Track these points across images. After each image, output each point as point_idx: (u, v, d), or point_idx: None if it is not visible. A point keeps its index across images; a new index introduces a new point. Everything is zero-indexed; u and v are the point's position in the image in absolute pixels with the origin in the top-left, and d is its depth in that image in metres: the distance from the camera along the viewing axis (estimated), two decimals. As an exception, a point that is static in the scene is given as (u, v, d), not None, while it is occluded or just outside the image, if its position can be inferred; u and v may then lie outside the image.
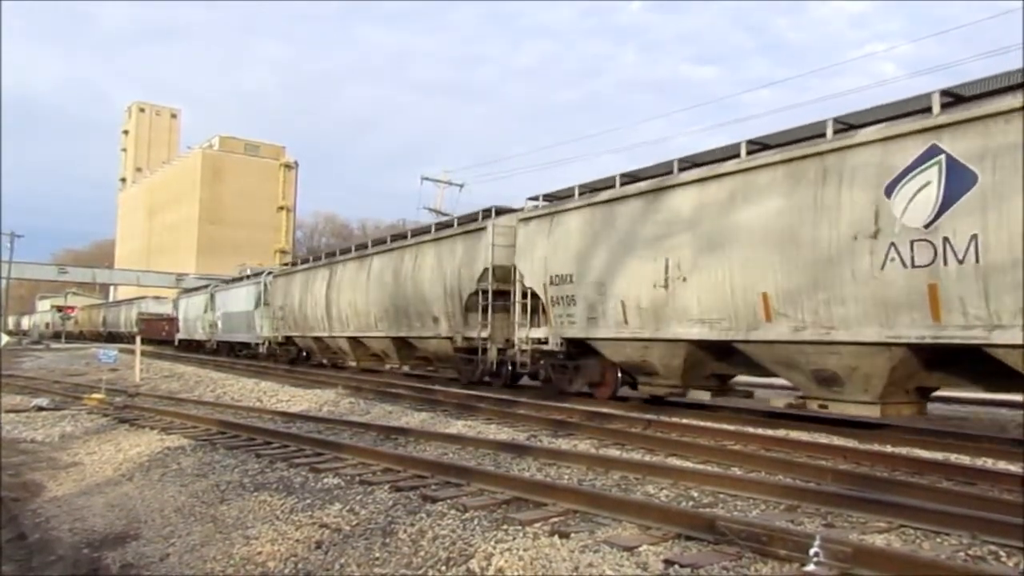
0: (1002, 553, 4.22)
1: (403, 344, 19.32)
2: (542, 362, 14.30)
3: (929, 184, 7.85)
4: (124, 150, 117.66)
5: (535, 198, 14.63)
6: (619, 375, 12.84)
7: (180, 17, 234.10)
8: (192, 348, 38.31)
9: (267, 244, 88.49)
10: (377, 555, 4.52)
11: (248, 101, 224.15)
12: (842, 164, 8.72)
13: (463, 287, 16.16)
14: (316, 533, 5.02)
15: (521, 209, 14.99)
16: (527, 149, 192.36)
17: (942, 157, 7.76)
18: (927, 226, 7.84)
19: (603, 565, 3.99)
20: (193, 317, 38.70)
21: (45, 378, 20.02)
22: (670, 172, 11.36)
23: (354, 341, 21.73)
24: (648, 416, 10.33)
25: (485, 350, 15.56)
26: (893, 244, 8.12)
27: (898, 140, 8.23)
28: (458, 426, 9.94)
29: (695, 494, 5.78)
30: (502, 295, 15.12)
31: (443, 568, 4.19)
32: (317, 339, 24.12)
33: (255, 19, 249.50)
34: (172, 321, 43.05)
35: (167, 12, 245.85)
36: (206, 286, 39.56)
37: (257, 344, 29.13)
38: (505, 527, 4.78)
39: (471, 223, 16.78)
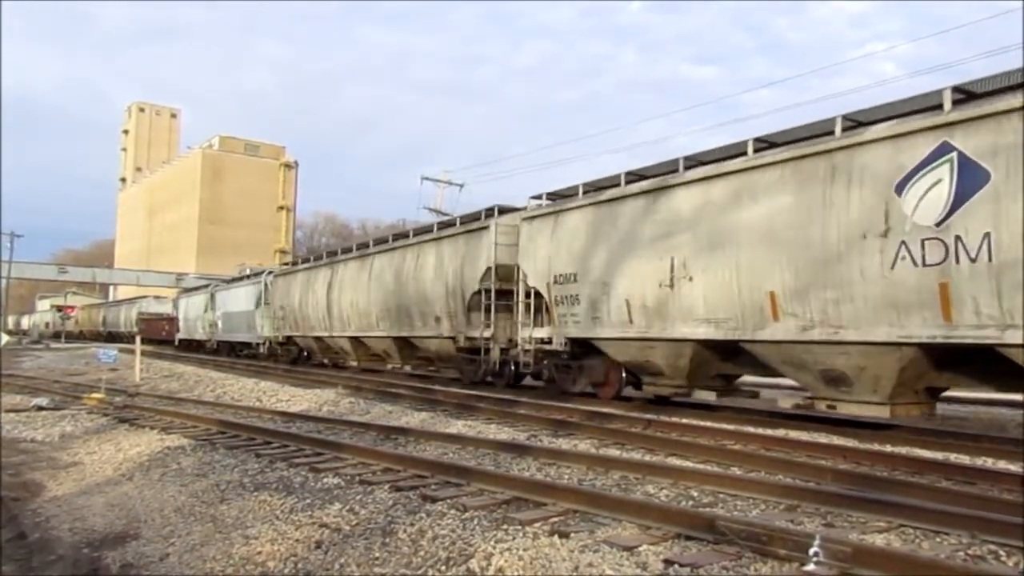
0: (1002, 553, 4.22)
1: (405, 344, 19.26)
2: (545, 362, 14.23)
3: (940, 182, 7.78)
4: (124, 150, 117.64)
5: (538, 197, 14.56)
6: (623, 375, 12.76)
7: (180, 17, 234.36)
8: (192, 348, 38.29)
9: (267, 244, 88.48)
10: (377, 555, 4.52)
11: (248, 101, 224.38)
12: (851, 162, 8.65)
13: (466, 286, 16.10)
14: (316, 533, 5.02)
15: (524, 208, 14.92)
16: (527, 149, 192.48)
17: (954, 154, 7.69)
18: (938, 224, 7.76)
19: (603, 565, 3.99)
20: (193, 317, 38.69)
21: (45, 378, 20.02)
22: (675, 170, 11.30)
23: (355, 341, 21.69)
24: (648, 416, 10.32)
25: (488, 350, 15.48)
26: (904, 243, 8.05)
27: (908, 137, 8.15)
28: (458, 426, 9.94)
29: (695, 494, 5.78)
30: (505, 295, 15.05)
31: (443, 568, 4.19)
32: (318, 339, 24.07)
33: (255, 19, 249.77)
34: (172, 321, 43.04)
35: (167, 12, 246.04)
36: (206, 286, 39.55)
37: (258, 344, 29.11)
38: (505, 527, 4.78)
39: (474, 222, 16.69)
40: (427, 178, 48.63)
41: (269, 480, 6.67)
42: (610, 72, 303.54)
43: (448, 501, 5.51)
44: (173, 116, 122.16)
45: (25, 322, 79.28)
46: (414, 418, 10.91)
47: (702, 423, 9.63)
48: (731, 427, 9.30)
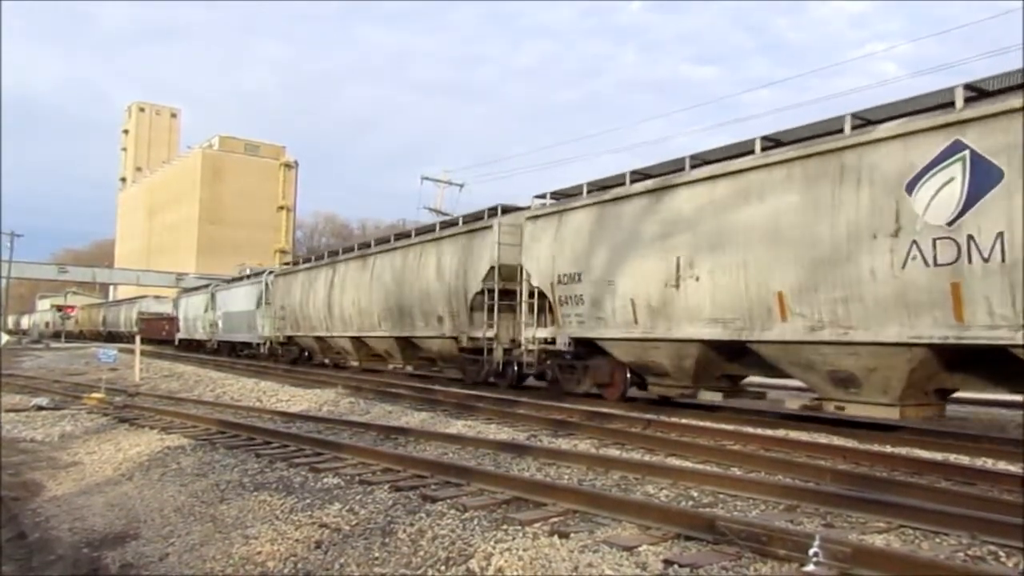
0: (1001, 553, 4.22)
1: (407, 344, 19.20)
2: (549, 362, 14.13)
3: (952, 180, 7.69)
4: (124, 150, 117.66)
5: (542, 196, 14.48)
6: (628, 376, 12.67)
7: (180, 17, 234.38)
8: (192, 348, 38.29)
9: (267, 244, 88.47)
10: (377, 555, 4.52)
11: (248, 101, 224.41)
12: (860, 160, 8.57)
13: (468, 286, 16.03)
14: (316, 533, 5.02)
15: (528, 207, 14.84)
16: (527, 149, 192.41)
17: (966, 152, 7.61)
18: (950, 223, 7.68)
19: (603, 565, 3.99)
20: (193, 317, 38.69)
21: (45, 377, 20.02)
22: (681, 169, 11.22)
23: (357, 341, 21.64)
24: (648, 416, 10.31)
25: (491, 350, 15.38)
26: (915, 242, 7.97)
27: (919, 135, 8.06)
28: (458, 426, 9.93)
29: (695, 494, 5.78)
30: (508, 294, 14.96)
31: (443, 568, 4.19)
32: (319, 339, 24.03)
33: (255, 19, 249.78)
34: (172, 321, 43.04)
35: (167, 12, 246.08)
36: (206, 285, 39.52)
37: (258, 344, 29.08)
38: (505, 527, 4.78)
39: (477, 221, 16.60)
40: (427, 178, 48.67)
41: (269, 480, 6.67)
42: (610, 72, 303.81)
43: (448, 501, 5.51)
44: (173, 116, 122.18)
45: (25, 322, 79.32)
46: (414, 418, 10.91)
47: (702, 423, 9.62)
48: (731, 427, 9.29)
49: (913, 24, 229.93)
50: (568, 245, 13.07)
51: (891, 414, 8.73)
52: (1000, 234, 7.30)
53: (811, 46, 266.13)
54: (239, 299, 31.84)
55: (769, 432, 8.90)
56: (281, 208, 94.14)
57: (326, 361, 25.34)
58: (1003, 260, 7.28)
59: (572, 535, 4.54)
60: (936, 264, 7.80)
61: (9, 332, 47.82)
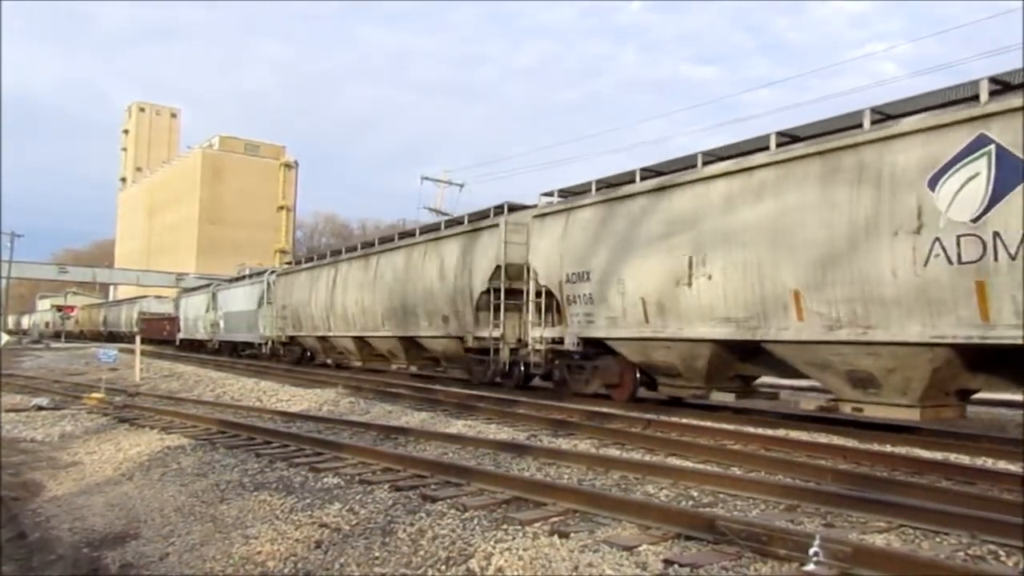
0: (1002, 553, 4.22)
1: (411, 344, 19.08)
2: (556, 363, 13.97)
3: (977, 176, 7.50)
4: (124, 150, 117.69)
5: (549, 194, 14.33)
6: (637, 376, 12.52)
7: (180, 17, 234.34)
8: (193, 348, 38.29)
9: (267, 244, 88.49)
10: (377, 555, 4.52)
11: (248, 101, 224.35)
12: (881, 156, 8.37)
13: (474, 285, 15.90)
14: (316, 533, 5.02)
15: (534, 205, 14.70)
16: (527, 149, 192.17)
17: (992, 147, 7.42)
18: (975, 220, 7.50)
19: (603, 565, 3.99)
20: (194, 317, 38.67)
21: (45, 377, 20.02)
22: (693, 166, 11.05)
23: (360, 341, 21.54)
24: (648, 416, 10.30)
25: (497, 350, 15.20)
26: (938, 239, 7.79)
27: (942, 130, 7.86)
28: (458, 426, 9.93)
29: (695, 494, 5.78)
30: (514, 294, 14.83)
31: (443, 568, 4.19)
32: (322, 339, 23.92)
33: (255, 19, 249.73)
34: (173, 321, 43.04)
35: (167, 12, 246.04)
36: (207, 285, 39.50)
37: (260, 344, 29.01)
38: (505, 527, 4.78)
39: (482, 220, 16.45)
40: (427, 178, 48.53)
41: (269, 480, 6.67)
42: (610, 72, 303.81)
43: (448, 501, 5.51)
44: (173, 116, 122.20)
45: (25, 322, 79.34)
46: (414, 418, 10.91)
47: (702, 423, 9.61)
48: (731, 427, 9.29)
49: (913, 24, 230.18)
50: (576, 243, 12.88)
51: (911, 415, 8.53)
52: None
53: (811, 46, 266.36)
54: (241, 299, 31.81)
55: (769, 432, 8.89)
56: (281, 208, 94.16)
57: (328, 361, 25.25)
58: None
59: (572, 535, 4.54)
60: (960, 262, 7.60)
61: (9, 332, 47.79)
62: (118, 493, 6.86)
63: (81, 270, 71.32)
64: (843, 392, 9.23)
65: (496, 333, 15.10)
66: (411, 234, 19.91)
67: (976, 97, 7.82)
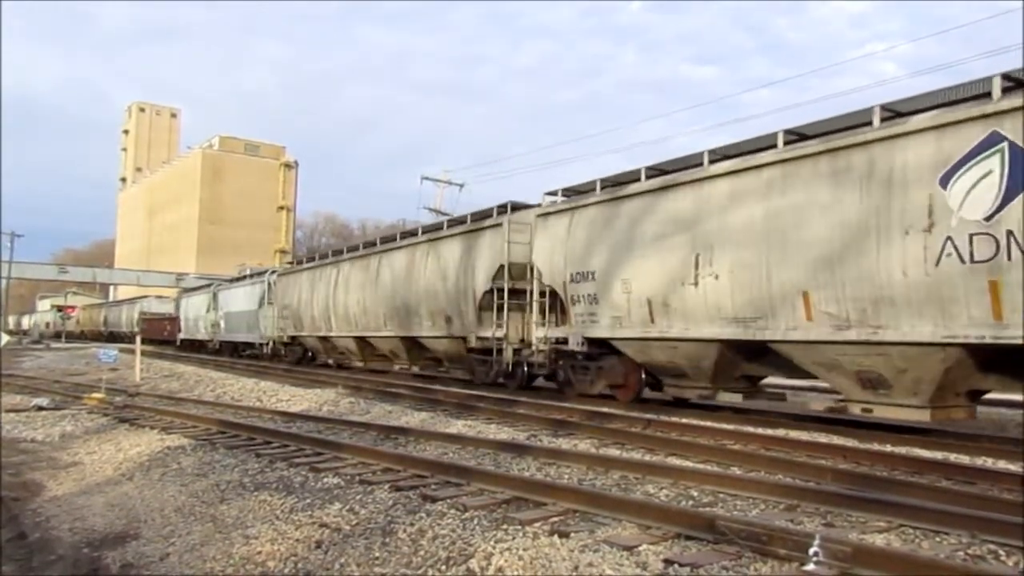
0: (1002, 552, 4.22)
1: (413, 344, 19.01)
2: (560, 363, 13.87)
3: (990, 173, 7.41)
4: (124, 150, 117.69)
5: (553, 193, 14.24)
6: (643, 377, 12.44)
7: (180, 17, 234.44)
8: (194, 348, 38.28)
9: (267, 244, 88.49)
10: (377, 555, 4.52)
11: (248, 101, 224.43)
12: (891, 154, 8.27)
13: (477, 285, 15.81)
14: (316, 533, 5.02)
15: (538, 204, 14.58)
16: (527, 149, 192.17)
17: (1004, 144, 7.33)
18: (988, 218, 7.42)
19: (603, 565, 3.99)
20: (195, 317, 38.66)
21: (45, 378, 20.02)
22: (700, 164, 10.94)
23: (361, 341, 21.47)
24: (648, 416, 10.30)
25: (500, 351, 15.09)
26: (949, 238, 7.68)
27: (954, 127, 7.76)
28: (458, 426, 9.93)
29: (695, 493, 5.78)
30: (518, 293, 14.72)
31: (443, 568, 4.19)
32: (323, 339, 23.84)
33: (255, 19, 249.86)
34: (174, 321, 43.03)
35: (167, 12, 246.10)
36: (208, 285, 39.49)
37: (261, 344, 28.98)
38: (505, 527, 4.78)
39: (486, 219, 16.35)
40: (427, 178, 48.53)
41: (269, 480, 6.67)
42: (610, 72, 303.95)
43: (448, 501, 5.51)
44: (173, 116, 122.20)
45: (25, 322, 79.32)
46: (414, 418, 10.91)
47: (702, 423, 9.61)
48: (731, 427, 9.29)
49: (913, 24, 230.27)
50: (580, 242, 12.78)
51: (921, 416, 8.46)
52: None
53: (811, 46, 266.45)
54: (241, 299, 31.78)
55: (769, 432, 8.89)
56: (281, 208, 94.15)
57: (330, 361, 25.19)
58: None
59: (572, 535, 4.54)
60: (973, 261, 7.52)
61: (9, 332, 47.74)
62: (118, 493, 6.87)
63: (81, 270, 71.31)
64: (852, 393, 9.14)
65: (499, 333, 14.98)
66: (413, 233, 19.77)
67: (988, 94, 7.75)
